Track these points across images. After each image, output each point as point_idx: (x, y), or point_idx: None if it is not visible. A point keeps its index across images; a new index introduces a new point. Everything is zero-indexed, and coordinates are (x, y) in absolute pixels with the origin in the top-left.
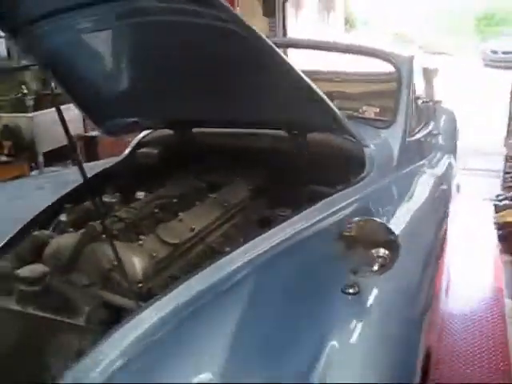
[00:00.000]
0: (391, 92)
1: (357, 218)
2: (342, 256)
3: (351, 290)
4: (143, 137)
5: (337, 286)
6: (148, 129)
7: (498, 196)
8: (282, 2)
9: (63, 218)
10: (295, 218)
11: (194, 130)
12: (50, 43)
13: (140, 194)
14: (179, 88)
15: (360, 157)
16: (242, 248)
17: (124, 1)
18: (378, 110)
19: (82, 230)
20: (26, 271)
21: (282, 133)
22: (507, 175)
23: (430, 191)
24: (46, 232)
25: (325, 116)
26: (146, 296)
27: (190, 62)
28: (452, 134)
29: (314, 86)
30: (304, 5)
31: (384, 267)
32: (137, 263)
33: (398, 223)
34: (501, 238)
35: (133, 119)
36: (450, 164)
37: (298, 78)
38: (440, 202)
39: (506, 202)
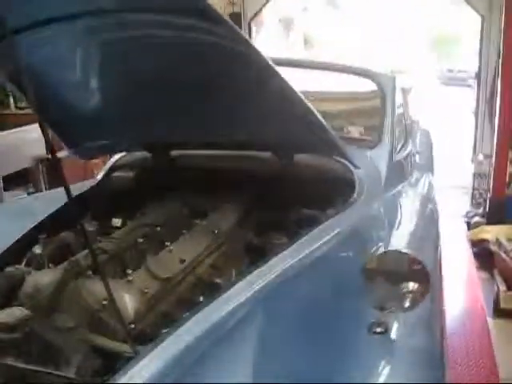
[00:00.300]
0: (372, 110)
1: (379, 252)
2: (364, 290)
3: (378, 329)
4: (117, 159)
5: (361, 323)
6: (123, 151)
7: (467, 213)
8: (248, 23)
9: (38, 250)
10: (294, 245)
11: (173, 152)
12: (27, 57)
13: (116, 221)
14: (158, 107)
15: (349, 179)
16: (244, 281)
17: (108, 13)
18: (362, 129)
19: (62, 265)
20: (2, 316)
21: (266, 154)
22: (476, 191)
23: (421, 212)
24: (21, 267)
25: (319, 137)
26: (139, 337)
27: (171, 79)
28: (429, 152)
29: (311, 105)
30: (266, 25)
31: (415, 302)
32: (128, 301)
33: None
34: (476, 255)
35: (107, 141)
36: (430, 183)
37: (293, 96)
38: (431, 223)
39: (477, 218)
